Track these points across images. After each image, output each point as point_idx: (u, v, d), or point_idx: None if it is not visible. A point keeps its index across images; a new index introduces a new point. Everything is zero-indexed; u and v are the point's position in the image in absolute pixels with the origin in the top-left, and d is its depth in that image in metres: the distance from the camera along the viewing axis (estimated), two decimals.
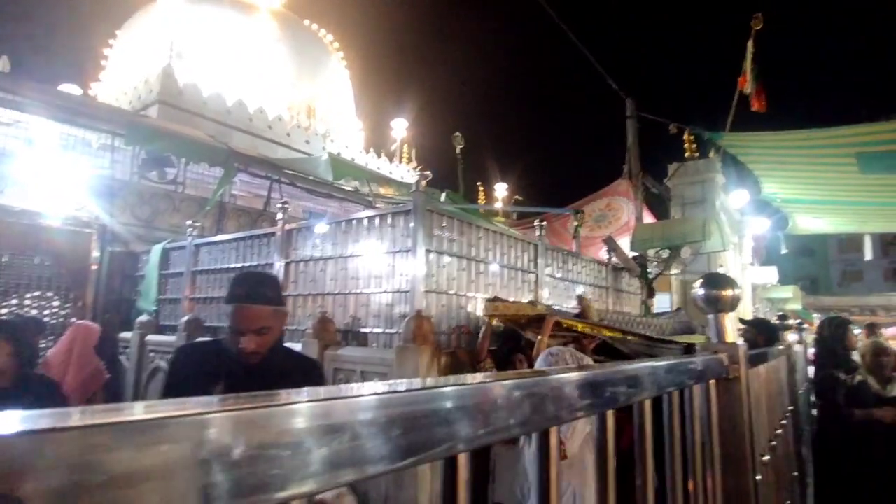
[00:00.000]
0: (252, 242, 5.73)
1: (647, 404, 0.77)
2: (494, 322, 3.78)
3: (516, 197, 18.07)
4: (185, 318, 5.45)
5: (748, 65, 8.93)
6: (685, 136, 10.94)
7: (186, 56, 12.73)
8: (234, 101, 12.70)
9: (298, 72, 15.25)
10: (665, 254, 7.87)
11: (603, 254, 7.36)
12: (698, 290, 1.35)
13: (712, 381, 1.16)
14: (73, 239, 6.62)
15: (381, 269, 4.48)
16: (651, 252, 7.95)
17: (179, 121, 10.56)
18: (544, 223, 5.91)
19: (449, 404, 0.41)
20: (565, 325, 3.59)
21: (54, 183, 6.59)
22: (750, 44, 8.91)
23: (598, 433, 0.68)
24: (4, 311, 5.92)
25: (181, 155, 8.31)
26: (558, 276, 5.96)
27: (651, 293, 7.55)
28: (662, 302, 9.19)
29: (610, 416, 0.68)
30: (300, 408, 0.32)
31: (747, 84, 8.92)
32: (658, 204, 11.51)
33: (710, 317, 1.34)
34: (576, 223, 7.67)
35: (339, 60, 17.51)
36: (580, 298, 5.43)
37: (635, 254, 7.76)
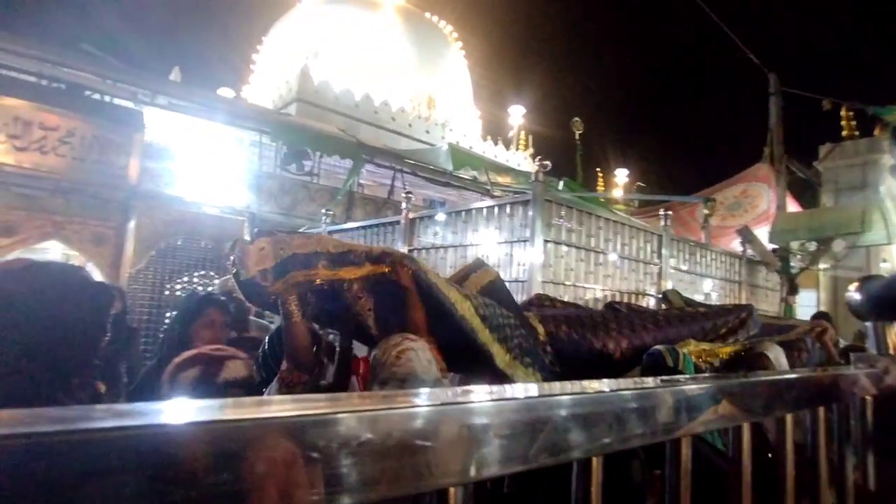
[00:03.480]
0: (378, 230, 6.12)
1: (790, 420, 0.74)
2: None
3: (638, 184, 17.18)
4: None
5: None
6: (842, 113, 9.60)
7: (321, 56, 13.75)
8: (362, 96, 13.49)
9: (419, 64, 15.75)
10: (812, 246, 7.06)
11: (736, 245, 6.78)
12: (853, 293, 1.25)
13: (868, 398, 1.09)
14: (228, 225, 7.56)
15: (499, 258, 4.56)
16: (795, 244, 7.17)
17: (314, 116, 11.49)
18: (669, 212, 5.59)
19: (580, 410, 0.45)
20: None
21: (214, 176, 7.56)
22: None
23: (733, 449, 0.67)
24: (178, 286, 6.95)
25: (316, 148, 9.07)
26: (684, 268, 5.63)
27: (793, 290, 6.83)
28: (807, 300, 8.26)
29: (746, 429, 0.66)
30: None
31: None
32: (804, 190, 10.28)
33: (869, 324, 1.24)
34: (705, 212, 7.15)
35: (458, 50, 17.78)
36: None
37: (775, 246, 7.06)
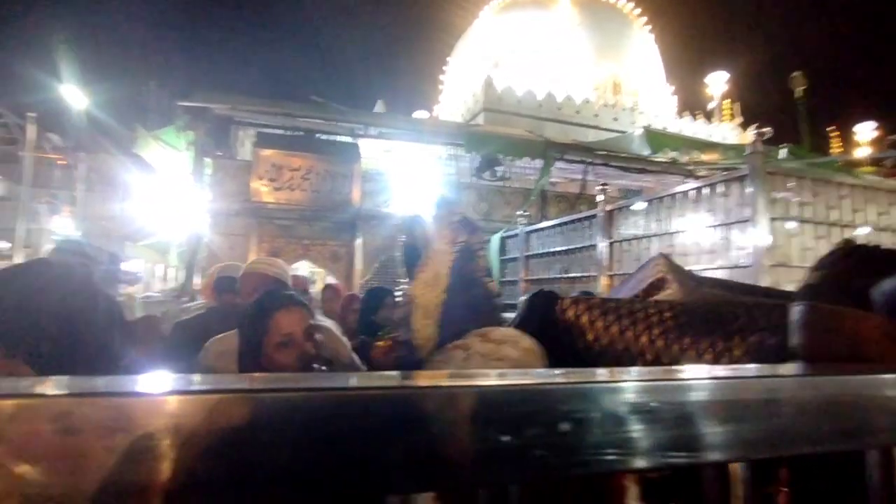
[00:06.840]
0: (575, 226, 6.10)
1: None
2: None
3: (891, 137, 13.90)
4: (522, 298, 6.20)
5: None
6: None
7: (502, 64, 14.22)
8: (544, 95, 13.56)
9: (600, 50, 15.20)
10: None
11: None
12: None
13: None
14: None
15: (713, 243, 4.21)
16: None
17: (501, 123, 11.93)
18: None
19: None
20: None
21: (419, 191, 8.37)
22: None
23: None
24: (398, 292, 7.86)
25: (506, 153, 9.41)
26: None
27: None
28: None
29: None
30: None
31: None
32: None
33: None
34: None
35: (642, 27, 16.68)
36: None
37: None
